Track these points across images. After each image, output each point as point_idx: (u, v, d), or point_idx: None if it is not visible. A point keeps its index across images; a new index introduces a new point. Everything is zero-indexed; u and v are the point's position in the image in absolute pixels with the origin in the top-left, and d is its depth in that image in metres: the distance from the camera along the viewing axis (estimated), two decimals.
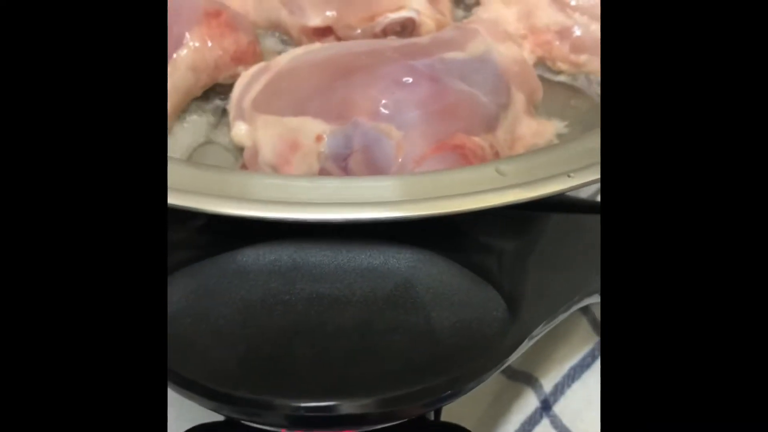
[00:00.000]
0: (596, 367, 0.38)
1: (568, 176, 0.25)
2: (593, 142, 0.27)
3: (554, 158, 0.27)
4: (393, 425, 0.24)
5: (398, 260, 0.25)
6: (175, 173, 0.26)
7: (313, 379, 0.22)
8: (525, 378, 0.38)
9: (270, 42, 0.42)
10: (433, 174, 0.27)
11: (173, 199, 0.25)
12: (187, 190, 0.25)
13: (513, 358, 0.24)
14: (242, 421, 0.24)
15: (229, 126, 0.37)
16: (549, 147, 0.29)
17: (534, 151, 0.29)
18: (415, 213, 0.24)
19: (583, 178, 0.25)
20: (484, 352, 0.23)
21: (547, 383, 0.39)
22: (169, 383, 0.23)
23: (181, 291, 0.24)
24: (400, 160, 0.31)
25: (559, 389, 0.39)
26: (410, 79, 0.33)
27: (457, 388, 0.23)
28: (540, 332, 0.25)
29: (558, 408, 0.38)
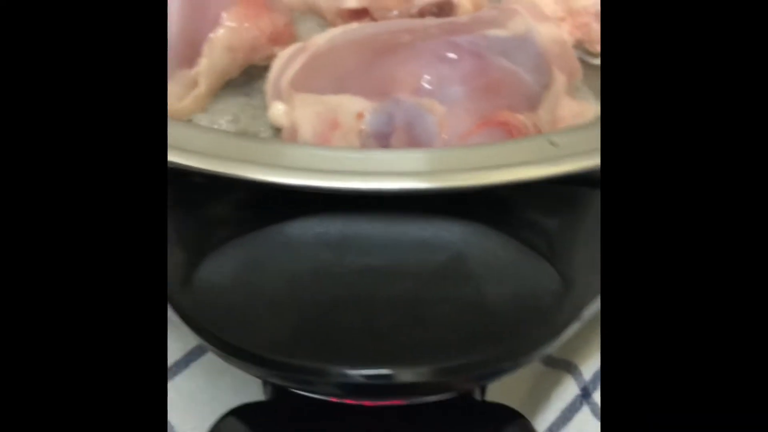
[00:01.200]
0: None
1: None
2: None
3: None
4: (442, 401, 0.24)
5: (450, 233, 0.25)
6: (221, 143, 0.25)
7: (366, 348, 0.22)
8: (565, 365, 0.38)
9: (304, 25, 0.42)
10: (485, 146, 0.26)
11: (220, 167, 0.24)
12: (234, 158, 0.24)
13: (569, 333, 0.24)
14: (289, 391, 0.23)
15: (264, 108, 0.37)
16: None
17: (588, 124, 0.28)
18: (469, 183, 0.23)
19: None
20: (540, 325, 0.23)
21: (587, 371, 0.38)
22: (222, 353, 0.23)
23: (230, 263, 0.24)
24: (444, 136, 0.30)
25: (599, 376, 0.38)
26: (453, 55, 0.32)
27: (512, 359, 0.22)
28: (594, 307, 0.25)
29: (598, 395, 0.37)
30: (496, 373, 0.22)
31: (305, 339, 0.22)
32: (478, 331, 0.22)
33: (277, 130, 0.36)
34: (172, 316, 0.25)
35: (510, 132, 0.31)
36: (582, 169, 0.24)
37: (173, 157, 0.24)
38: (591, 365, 0.38)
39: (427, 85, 0.31)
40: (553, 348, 0.24)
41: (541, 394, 0.38)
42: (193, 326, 0.23)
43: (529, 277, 0.24)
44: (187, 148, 0.24)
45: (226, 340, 0.22)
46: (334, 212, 0.25)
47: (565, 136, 0.26)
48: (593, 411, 0.37)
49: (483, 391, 0.29)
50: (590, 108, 0.38)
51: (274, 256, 0.24)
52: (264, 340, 0.22)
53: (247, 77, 0.39)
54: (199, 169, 0.24)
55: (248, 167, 0.24)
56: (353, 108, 0.32)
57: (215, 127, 0.37)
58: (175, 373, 0.36)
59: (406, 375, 0.21)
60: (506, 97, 0.32)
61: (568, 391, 0.38)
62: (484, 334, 0.22)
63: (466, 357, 0.22)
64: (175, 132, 0.25)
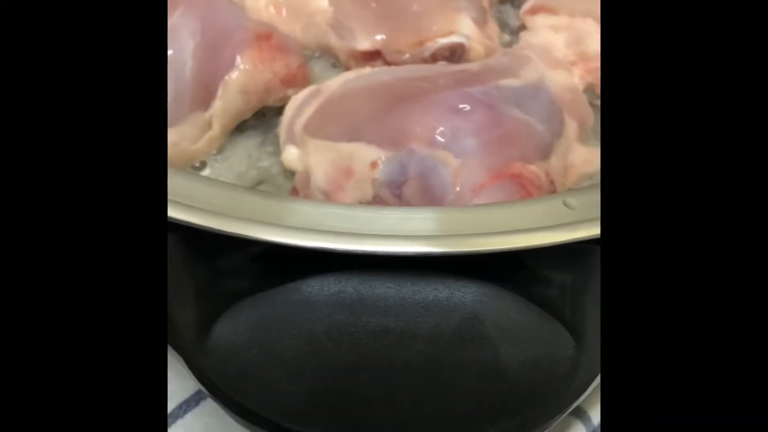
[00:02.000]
0: None
1: None
2: None
3: None
4: None
5: (464, 294, 0.25)
6: (238, 200, 0.26)
7: (383, 419, 0.22)
8: (574, 410, 0.38)
9: (317, 65, 0.42)
10: (500, 206, 0.26)
11: (238, 229, 0.24)
12: (253, 219, 0.25)
13: (583, 398, 0.24)
14: None
15: (278, 150, 0.37)
16: None
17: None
18: (485, 248, 0.24)
19: None
20: (556, 392, 0.23)
21: (596, 416, 0.38)
22: (235, 416, 0.22)
23: (245, 321, 0.24)
24: (457, 189, 0.31)
25: None
26: (467, 107, 0.32)
27: (531, 430, 0.22)
28: None
29: None
30: None
31: (321, 406, 0.22)
32: (496, 400, 0.22)
33: (290, 173, 0.36)
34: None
35: (523, 185, 0.31)
36: (597, 236, 0.24)
37: (187, 215, 0.24)
38: (600, 409, 0.38)
39: (440, 138, 0.31)
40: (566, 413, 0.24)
41: None
42: (208, 386, 0.23)
43: (544, 341, 0.24)
44: (203, 207, 0.24)
45: (241, 403, 0.22)
46: (351, 271, 0.25)
47: (580, 198, 0.26)
48: None
49: None
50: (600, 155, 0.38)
51: (289, 315, 0.24)
52: (279, 405, 0.22)
53: (261, 119, 0.40)
54: (214, 229, 0.24)
55: (263, 228, 0.24)
56: (367, 156, 0.33)
57: (228, 168, 0.37)
58: (185, 411, 0.36)
59: None
60: (519, 147, 0.32)
61: None
62: (503, 403, 0.22)
63: (486, 429, 0.22)
64: (190, 187, 0.25)
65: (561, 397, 0.23)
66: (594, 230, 0.24)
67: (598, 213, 0.25)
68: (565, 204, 0.25)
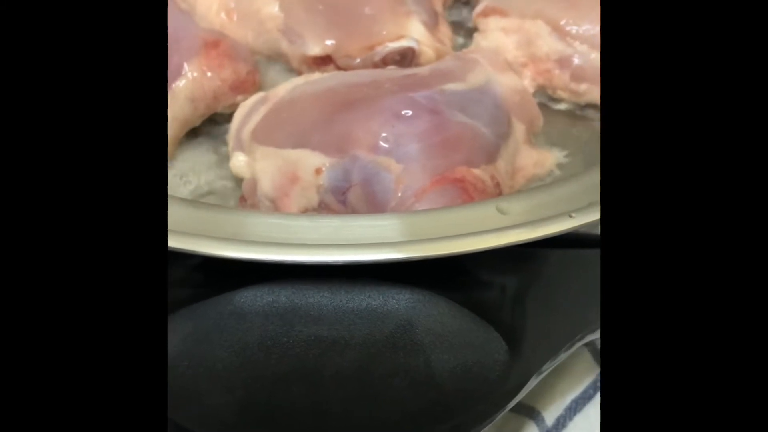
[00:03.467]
0: (598, 399, 0.37)
1: (570, 216, 0.25)
2: (594, 178, 0.27)
3: (555, 196, 0.27)
4: None
5: (398, 301, 0.25)
6: (171, 212, 0.25)
7: (314, 429, 0.22)
8: (527, 411, 0.38)
9: (272, 71, 0.42)
10: (433, 212, 0.26)
11: (170, 242, 0.24)
12: (185, 231, 0.25)
13: (515, 401, 0.24)
14: None
15: (227, 157, 0.37)
16: (550, 184, 0.28)
17: (535, 188, 0.28)
18: (415, 254, 0.24)
19: (584, 219, 0.25)
20: (486, 397, 0.23)
21: (549, 416, 0.38)
22: None
23: (178, 334, 0.24)
24: (399, 194, 0.31)
25: (561, 422, 0.38)
26: (410, 112, 0.32)
27: None
28: (543, 372, 0.25)
29: None
30: None
31: (252, 419, 0.22)
32: (426, 407, 0.22)
33: (240, 180, 0.36)
34: None
35: (465, 189, 0.31)
36: (527, 240, 0.24)
37: None
38: (553, 411, 0.38)
39: (383, 143, 0.32)
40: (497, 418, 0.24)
41: None
42: None
43: (477, 346, 0.24)
44: None
45: (173, 419, 0.22)
46: (284, 281, 0.25)
47: (513, 203, 0.26)
48: None
49: None
50: (550, 156, 0.38)
51: (221, 327, 0.24)
52: (209, 419, 0.22)
53: (211, 125, 0.39)
54: None
55: (194, 241, 0.24)
56: (312, 163, 0.33)
57: (177, 176, 0.37)
58: None
59: None
60: (463, 151, 0.32)
61: None
62: (432, 410, 0.22)
63: None
64: None
65: (491, 402, 0.23)
66: (523, 235, 0.24)
67: (529, 218, 0.25)
68: (498, 209, 0.26)
